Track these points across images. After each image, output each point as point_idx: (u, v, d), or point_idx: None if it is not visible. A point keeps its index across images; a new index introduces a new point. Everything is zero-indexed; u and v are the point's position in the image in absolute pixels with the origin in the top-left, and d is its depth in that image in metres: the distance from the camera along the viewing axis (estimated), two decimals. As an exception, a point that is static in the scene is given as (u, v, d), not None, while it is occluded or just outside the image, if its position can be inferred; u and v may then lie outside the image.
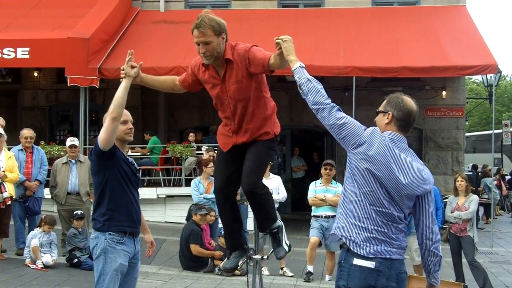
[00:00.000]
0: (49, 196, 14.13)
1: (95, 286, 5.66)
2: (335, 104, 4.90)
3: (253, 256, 5.89)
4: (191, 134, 19.68)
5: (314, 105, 4.92)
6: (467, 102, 34.48)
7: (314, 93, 4.93)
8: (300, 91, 5.00)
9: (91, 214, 5.79)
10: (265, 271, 12.29)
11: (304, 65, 5.04)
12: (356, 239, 4.56)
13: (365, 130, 4.78)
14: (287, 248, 5.86)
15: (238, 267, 6.05)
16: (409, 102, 4.93)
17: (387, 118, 4.85)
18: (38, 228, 11.42)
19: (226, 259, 6.04)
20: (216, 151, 16.00)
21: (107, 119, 5.42)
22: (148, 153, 19.69)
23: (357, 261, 4.55)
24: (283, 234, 5.85)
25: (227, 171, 5.71)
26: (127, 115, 5.85)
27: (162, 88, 5.94)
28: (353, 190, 4.67)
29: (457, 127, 23.81)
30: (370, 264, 4.51)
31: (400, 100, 4.89)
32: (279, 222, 5.85)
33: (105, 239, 5.64)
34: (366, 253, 4.52)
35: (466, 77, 29.99)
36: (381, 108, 4.97)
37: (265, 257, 6.11)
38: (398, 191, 4.60)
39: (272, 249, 5.97)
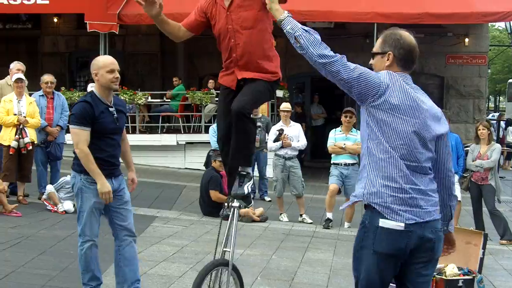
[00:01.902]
0: (70, 142, 14.21)
1: (77, 221, 6.16)
2: (340, 54, 4.25)
3: (231, 204, 5.60)
4: (210, 81, 19.65)
5: (320, 59, 4.20)
6: (490, 50, 34.05)
7: (317, 45, 4.23)
8: (297, 45, 4.30)
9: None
10: (284, 218, 12.37)
11: (291, 14, 4.48)
12: (392, 205, 4.04)
13: (379, 76, 4.22)
14: (245, 191, 5.51)
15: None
16: (408, 37, 4.41)
17: (388, 60, 4.30)
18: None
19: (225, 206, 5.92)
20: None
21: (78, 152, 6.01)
22: (170, 99, 19.67)
23: (385, 223, 4.04)
24: (249, 182, 5.56)
25: (227, 123, 5.56)
26: (114, 64, 6.05)
27: (169, 32, 5.72)
28: (379, 147, 4.13)
29: (479, 75, 23.56)
30: (400, 226, 4.02)
31: (398, 37, 4.36)
32: (250, 171, 5.59)
33: (80, 179, 6.08)
34: (404, 219, 4.02)
35: (489, 24, 29.54)
36: (377, 49, 4.38)
37: (242, 205, 5.63)
38: (428, 132, 4.21)
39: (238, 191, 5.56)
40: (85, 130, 5.95)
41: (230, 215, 5.60)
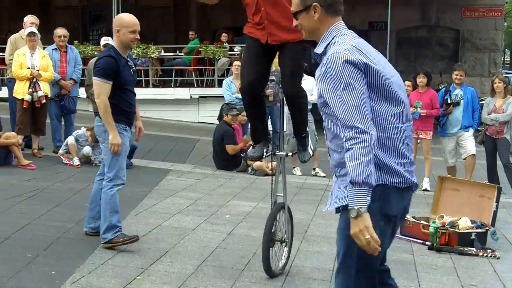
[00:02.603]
0: (84, 95, 14.24)
1: (109, 165, 6.41)
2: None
3: (277, 153, 6.04)
4: (223, 34, 19.51)
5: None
6: (507, 2, 33.60)
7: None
8: None
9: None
10: (297, 172, 12.37)
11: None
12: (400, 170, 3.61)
13: (349, 60, 3.47)
14: (311, 153, 6.12)
15: (264, 156, 6.25)
16: None
17: (315, 13, 3.65)
18: (84, 131, 11.42)
19: (251, 148, 6.22)
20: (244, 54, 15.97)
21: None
22: (186, 54, 19.57)
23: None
24: (309, 139, 6.07)
25: (257, 67, 5.67)
26: (137, 25, 6.47)
27: None
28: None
29: (495, 28, 23.30)
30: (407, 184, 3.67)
31: None
32: (307, 129, 6.08)
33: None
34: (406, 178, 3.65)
35: (507, -24, 29.13)
36: (298, 7, 3.73)
37: (289, 154, 6.23)
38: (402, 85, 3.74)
39: (297, 151, 6.16)
40: (107, 83, 6.26)
41: (278, 164, 6.09)
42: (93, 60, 12.27)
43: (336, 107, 3.45)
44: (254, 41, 5.68)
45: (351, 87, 3.42)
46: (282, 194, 6.07)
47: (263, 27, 5.57)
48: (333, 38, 3.63)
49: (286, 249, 6.22)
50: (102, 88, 6.26)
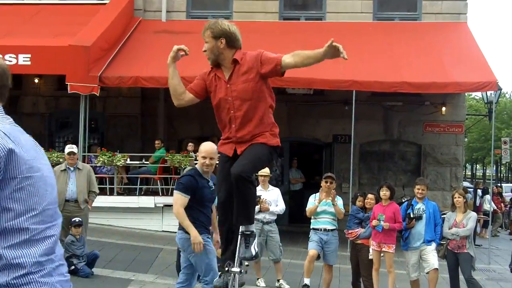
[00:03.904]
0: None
1: (204, 271, 7.64)
2: None
3: (232, 269, 5.86)
4: (190, 144, 19.71)
5: None
6: (467, 119, 34.54)
7: None
8: None
9: None
10: (261, 283, 12.28)
11: None
12: None
13: None
14: (253, 253, 5.84)
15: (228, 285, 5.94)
16: None
17: None
18: None
19: (217, 278, 6.06)
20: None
21: None
22: (153, 163, 19.62)
23: None
24: (254, 240, 5.87)
25: (227, 188, 5.72)
26: (209, 152, 7.76)
27: (176, 86, 5.93)
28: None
29: (456, 143, 23.84)
30: None
31: None
32: (253, 228, 5.87)
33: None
34: None
35: (466, 93, 30.08)
36: None
37: (243, 270, 5.96)
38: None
39: (242, 255, 5.87)
40: (184, 197, 7.66)
41: (231, 280, 5.85)
42: (57, 168, 12.31)
43: None
44: (224, 158, 5.81)
45: None
46: None
47: (231, 142, 5.71)
48: None
49: None
50: (178, 200, 7.69)
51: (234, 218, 5.81)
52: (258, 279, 12.46)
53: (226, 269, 5.86)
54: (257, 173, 13.19)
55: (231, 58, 5.66)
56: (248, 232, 5.80)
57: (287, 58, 5.50)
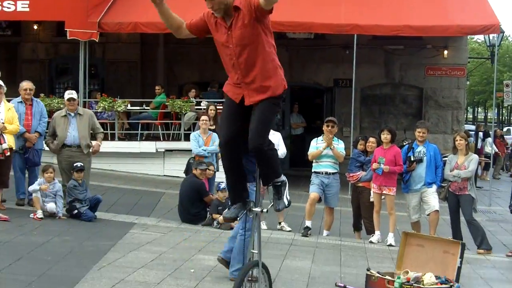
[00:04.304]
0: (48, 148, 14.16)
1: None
2: None
3: (253, 209, 5.91)
4: (193, 90, 19.58)
5: None
6: (469, 62, 34.37)
7: None
8: None
9: None
10: (263, 226, 12.34)
11: None
12: None
13: None
14: (286, 203, 5.94)
15: (238, 218, 6.11)
16: None
17: None
18: (42, 179, 11.42)
19: (227, 209, 6.12)
20: (216, 106, 16.07)
21: None
22: (153, 109, 19.57)
23: None
24: (286, 189, 5.93)
25: (233, 125, 5.71)
26: None
27: (169, 24, 5.83)
28: None
29: (458, 87, 23.78)
30: None
31: None
32: (283, 177, 5.93)
33: None
34: None
35: (468, 36, 29.83)
36: None
37: (264, 210, 6.12)
38: None
39: (271, 202, 6.01)
40: None
41: (253, 220, 5.97)
42: (57, 113, 12.29)
43: None
44: (230, 100, 5.77)
45: None
46: (256, 251, 5.89)
47: (239, 87, 5.65)
48: None
49: None
50: None
51: (262, 180, 5.92)
52: (280, 223, 12.54)
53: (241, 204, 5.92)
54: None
55: (232, 4, 5.48)
56: (279, 183, 5.87)
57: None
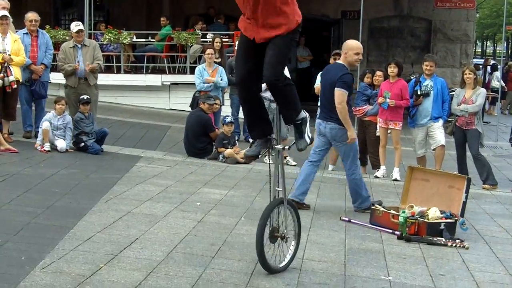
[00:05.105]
0: (55, 81, 14.11)
1: (351, 158, 8.87)
2: None
3: (275, 146, 5.89)
4: (199, 22, 19.32)
5: None
6: (479, -7, 33.84)
7: None
8: None
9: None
10: (291, 162, 12.34)
11: None
12: None
13: None
14: (308, 141, 5.89)
15: (260, 155, 6.08)
16: None
17: None
18: (53, 111, 11.36)
19: (248, 147, 6.09)
20: (222, 38, 15.94)
21: None
22: (158, 41, 19.38)
23: None
24: (307, 126, 5.87)
25: (249, 62, 5.63)
26: (361, 49, 8.83)
27: None
28: None
29: (467, 19, 23.47)
30: None
31: None
32: (304, 113, 5.85)
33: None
34: None
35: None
36: None
37: (286, 147, 6.09)
38: None
39: (293, 140, 5.96)
40: (346, 93, 8.53)
41: (276, 157, 5.93)
42: (66, 44, 12.20)
43: None
44: (245, 36, 5.68)
45: None
46: (281, 189, 5.88)
47: (250, 23, 5.56)
48: None
49: (289, 245, 6.04)
50: (344, 97, 8.50)
51: (283, 118, 5.89)
52: (265, 156, 12.54)
53: (262, 141, 5.89)
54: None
55: None
56: (299, 121, 5.81)
57: None
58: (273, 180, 5.93)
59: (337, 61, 9.27)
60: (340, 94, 8.49)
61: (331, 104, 8.62)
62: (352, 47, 8.68)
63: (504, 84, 25.35)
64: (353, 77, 8.90)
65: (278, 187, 5.91)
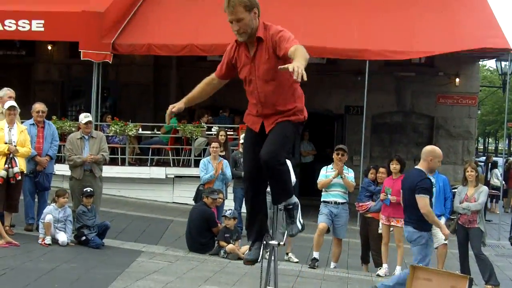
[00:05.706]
0: (59, 172, 14.18)
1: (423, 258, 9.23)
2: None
3: (270, 242, 5.80)
4: (205, 115, 19.49)
5: None
6: (481, 90, 34.26)
7: None
8: None
9: None
10: (293, 258, 12.25)
11: None
12: None
13: None
14: (300, 227, 5.77)
15: (259, 261, 5.88)
16: None
17: None
18: (53, 204, 11.37)
19: (247, 250, 6.02)
20: (227, 132, 16.10)
21: None
22: (164, 133, 19.55)
23: None
24: (298, 211, 5.78)
25: (256, 156, 5.58)
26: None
27: (204, 95, 5.99)
28: None
29: (469, 116, 23.69)
30: None
31: None
32: (295, 199, 5.77)
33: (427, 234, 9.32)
34: None
35: (480, 64, 29.79)
36: None
37: (281, 243, 5.98)
38: None
39: (285, 230, 5.87)
40: (428, 198, 9.16)
41: (269, 254, 5.81)
42: (73, 135, 12.33)
43: None
44: (250, 131, 5.76)
45: None
46: (272, 287, 5.72)
47: (258, 116, 5.66)
48: None
49: None
50: (426, 201, 9.08)
51: (272, 198, 5.76)
52: (287, 253, 12.43)
53: (261, 243, 5.81)
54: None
55: (256, 32, 5.43)
56: (290, 206, 5.71)
57: (291, 53, 5.14)
58: (264, 277, 5.81)
59: (416, 166, 9.48)
60: (421, 200, 9.07)
61: (408, 208, 9.40)
62: (439, 155, 9.34)
63: (504, 182, 25.32)
64: (431, 181, 9.54)
65: (269, 286, 5.77)
